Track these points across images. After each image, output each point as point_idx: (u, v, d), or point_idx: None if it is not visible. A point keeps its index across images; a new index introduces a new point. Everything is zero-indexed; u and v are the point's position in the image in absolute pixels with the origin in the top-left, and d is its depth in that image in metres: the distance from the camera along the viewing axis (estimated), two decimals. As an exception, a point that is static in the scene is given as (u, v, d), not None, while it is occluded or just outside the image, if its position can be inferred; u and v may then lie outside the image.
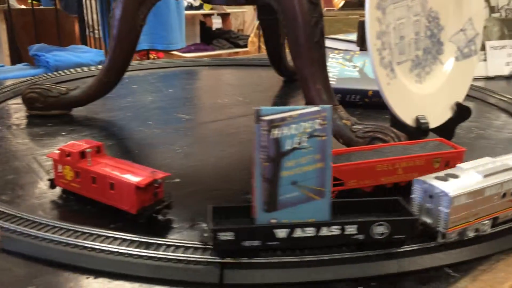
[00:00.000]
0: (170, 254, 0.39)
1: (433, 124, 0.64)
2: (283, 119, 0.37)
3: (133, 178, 0.44)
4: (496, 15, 1.08)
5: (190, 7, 3.85)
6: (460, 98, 0.69)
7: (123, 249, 0.40)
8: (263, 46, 3.89)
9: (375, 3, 0.54)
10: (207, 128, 0.76)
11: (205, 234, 0.44)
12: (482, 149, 0.67)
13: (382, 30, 0.56)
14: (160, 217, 0.46)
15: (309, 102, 0.66)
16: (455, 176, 0.42)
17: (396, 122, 0.62)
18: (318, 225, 0.38)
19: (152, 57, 2.88)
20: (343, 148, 0.54)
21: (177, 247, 0.40)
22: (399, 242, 0.40)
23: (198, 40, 4.14)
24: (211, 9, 4.21)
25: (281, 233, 0.38)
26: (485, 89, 0.91)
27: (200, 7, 4.02)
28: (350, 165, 0.50)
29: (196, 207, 0.50)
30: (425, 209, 0.42)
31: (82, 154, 0.48)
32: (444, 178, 0.42)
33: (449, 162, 0.53)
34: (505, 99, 0.84)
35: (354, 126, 0.61)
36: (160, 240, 0.41)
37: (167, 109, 0.84)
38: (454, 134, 0.68)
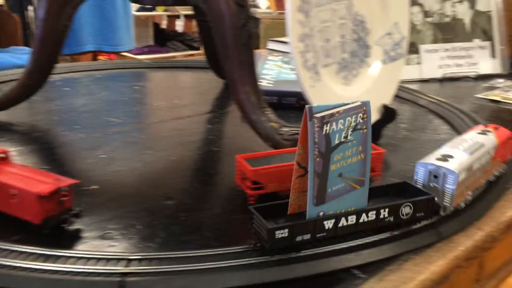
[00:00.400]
0: (68, 267, 0.37)
1: (359, 126, 0.65)
2: (332, 115, 0.39)
3: (35, 187, 0.42)
4: (430, 19, 1.11)
5: (143, 8, 3.79)
6: (387, 100, 0.70)
7: (20, 262, 0.38)
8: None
9: (296, 6, 0.54)
10: (137, 132, 0.73)
11: (113, 244, 0.42)
12: (408, 151, 0.68)
13: (305, 33, 0.56)
14: (67, 227, 0.44)
15: (238, 104, 0.65)
16: (450, 157, 0.49)
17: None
18: (358, 213, 0.42)
19: (103, 59, 2.80)
20: (264, 151, 0.54)
21: (78, 258, 0.38)
22: (421, 219, 0.45)
23: (151, 42, 4.08)
24: (165, 10, 4.15)
25: (329, 224, 0.41)
26: (417, 91, 0.93)
27: (153, 8, 3.96)
28: (269, 168, 0.49)
29: (110, 215, 0.48)
30: (430, 188, 0.47)
31: (-16, 162, 0.45)
32: (444, 159, 0.48)
33: (369, 163, 0.54)
34: (435, 101, 0.87)
35: (281, 129, 0.61)
36: (61, 252, 0.39)
37: (98, 113, 0.81)
38: (382, 135, 0.70)
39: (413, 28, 1.10)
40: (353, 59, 0.67)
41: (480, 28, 1.15)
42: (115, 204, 0.50)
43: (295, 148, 0.55)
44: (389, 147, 0.68)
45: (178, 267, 0.37)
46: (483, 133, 0.56)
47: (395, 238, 0.43)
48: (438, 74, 1.09)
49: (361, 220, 0.42)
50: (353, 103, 0.42)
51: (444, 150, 0.51)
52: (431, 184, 0.48)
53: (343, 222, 0.41)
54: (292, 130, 0.60)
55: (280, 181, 0.50)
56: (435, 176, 0.47)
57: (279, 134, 0.61)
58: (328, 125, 0.39)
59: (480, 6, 1.15)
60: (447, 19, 1.13)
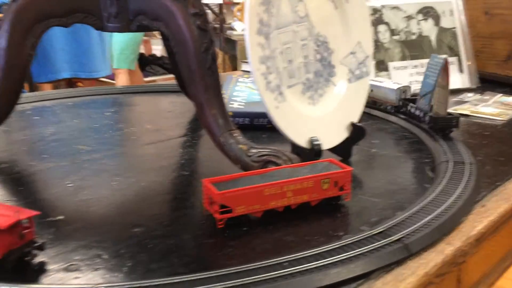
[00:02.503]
0: (29, 302, 0.36)
1: (327, 145, 0.65)
2: None
3: (-6, 220, 0.41)
4: (396, 37, 1.14)
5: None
6: (355, 118, 0.71)
7: (-20, 299, 0.37)
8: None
9: (255, 29, 0.55)
10: (107, 159, 0.73)
11: (79, 275, 0.41)
12: (377, 168, 0.69)
13: (266, 55, 0.57)
14: (30, 260, 0.43)
15: (205, 127, 0.65)
16: None
17: (296, 145, 0.63)
18: None
19: (81, 85, 2.78)
20: (230, 175, 0.54)
21: (40, 292, 0.37)
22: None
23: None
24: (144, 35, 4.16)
25: None
26: (385, 108, 0.95)
27: (129, 33, 3.96)
28: (236, 191, 0.49)
29: (75, 245, 0.47)
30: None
31: None
32: None
33: (337, 182, 0.54)
34: (403, 117, 0.88)
35: (249, 151, 0.61)
36: (25, 286, 0.38)
37: (67, 141, 0.80)
38: (352, 153, 0.70)
39: (381, 46, 1.12)
40: (318, 79, 0.68)
41: (446, 44, 1.18)
42: (81, 234, 0.49)
43: (264, 169, 0.55)
44: (360, 164, 0.68)
45: (142, 296, 0.37)
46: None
47: (363, 255, 0.43)
48: (408, 90, 1.11)
49: None
50: None
51: None
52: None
53: None
54: (260, 152, 0.61)
55: (248, 203, 0.50)
56: None
57: (247, 156, 0.61)
58: None
59: (445, 23, 1.18)
60: (413, 37, 1.16)
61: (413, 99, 0.87)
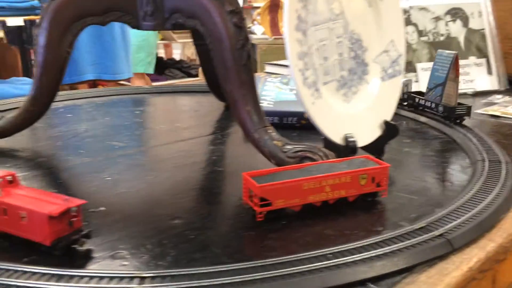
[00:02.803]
0: (82, 286, 0.37)
1: (362, 142, 0.65)
2: None
3: (45, 208, 0.42)
4: (424, 38, 1.14)
5: (140, 37, 3.83)
6: (388, 116, 0.71)
7: (33, 283, 0.38)
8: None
9: (294, 25, 0.56)
10: (140, 154, 0.74)
11: (125, 263, 0.42)
12: (410, 165, 0.69)
13: (303, 51, 0.58)
14: (78, 247, 0.44)
15: (240, 124, 0.66)
16: None
17: (329, 142, 0.63)
18: None
19: (101, 87, 2.83)
20: (269, 169, 0.54)
21: (91, 277, 0.38)
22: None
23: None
24: (162, 39, 4.21)
25: None
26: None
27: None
28: (276, 184, 0.50)
29: (119, 235, 0.48)
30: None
31: (-7, 185, 0.45)
32: None
33: (375, 178, 0.54)
34: (435, 117, 0.88)
35: (284, 147, 0.62)
36: (74, 272, 0.39)
37: (101, 137, 0.82)
38: (385, 151, 0.70)
39: (409, 47, 1.12)
40: (352, 77, 0.68)
41: (475, 45, 1.17)
42: (123, 225, 0.50)
43: (302, 164, 0.55)
44: (393, 162, 0.68)
45: (191, 283, 0.37)
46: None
47: (406, 249, 0.43)
48: (435, 91, 1.10)
49: None
50: None
51: None
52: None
53: None
54: (295, 148, 0.61)
55: (287, 197, 0.50)
56: None
57: (283, 152, 0.61)
58: None
59: (473, 25, 1.17)
60: (442, 38, 1.15)
61: (418, 92, 0.95)
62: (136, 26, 0.74)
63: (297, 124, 0.89)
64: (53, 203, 0.43)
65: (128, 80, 2.73)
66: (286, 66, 1.66)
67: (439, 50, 0.87)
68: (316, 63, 0.61)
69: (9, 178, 0.46)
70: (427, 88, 0.89)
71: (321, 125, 0.60)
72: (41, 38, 0.71)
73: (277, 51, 2.81)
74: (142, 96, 1.17)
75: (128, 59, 2.43)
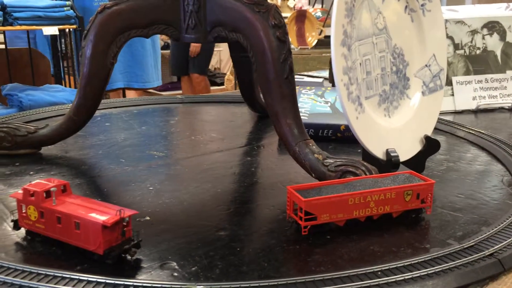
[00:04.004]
0: (136, 296, 0.38)
1: (403, 157, 0.65)
2: None
3: (99, 217, 0.43)
4: (460, 51, 1.12)
5: (167, 46, 3.90)
6: (429, 131, 0.70)
7: (88, 291, 0.38)
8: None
9: (340, 40, 0.56)
10: (180, 164, 0.75)
11: (175, 274, 0.43)
12: (452, 181, 0.68)
13: (348, 66, 0.58)
14: (128, 257, 0.45)
15: (280, 137, 0.66)
16: None
17: (368, 156, 0.63)
18: None
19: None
20: (313, 182, 0.54)
21: (145, 287, 0.39)
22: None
23: (175, 79, 4.17)
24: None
25: None
26: (454, 122, 0.93)
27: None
28: (322, 199, 0.50)
29: (167, 245, 0.48)
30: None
31: (47, 193, 0.46)
32: None
33: (419, 194, 0.54)
34: (473, 132, 0.87)
35: (326, 160, 0.62)
36: (128, 281, 0.40)
37: (140, 147, 0.83)
38: (425, 167, 0.69)
39: (444, 61, 1.11)
40: (394, 91, 0.68)
41: None
42: (170, 235, 0.51)
43: (346, 179, 0.55)
44: (433, 178, 0.67)
45: (244, 296, 0.38)
46: None
47: (457, 268, 0.42)
48: (472, 105, 1.09)
49: None
50: None
51: None
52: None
53: None
54: (336, 162, 0.61)
55: (333, 211, 0.50)
56: None
57: (324, 165, 0.62)
58: None
59: (511, 38, 1.15)
60: (478, 52, 1.13)
61: None
62: (178, 38, 0.76)
63: (332, 137, 0.89)
64: (106, 213, 0.44)
65: (157, 88, 2.79)
66: (314, 77, 1.66)
67: None
68: (359, 77, 0.61)
69: (62, 187, 0.48)
70: None
71: (364, 140, 0.59)
72: (87, 49, 0.73)
73: (303, 61, 2.82)
74: (176, 106, 1.18)
75: (157, 68, 2.47)
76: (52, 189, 0.46)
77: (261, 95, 1.05)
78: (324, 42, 3.23)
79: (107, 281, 0.40)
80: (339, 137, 0.88)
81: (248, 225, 0.54)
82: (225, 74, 4.04)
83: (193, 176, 0.69)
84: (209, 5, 0.72)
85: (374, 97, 0.65)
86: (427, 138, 0.69)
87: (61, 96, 1.97)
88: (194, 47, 2.62)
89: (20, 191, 0.48)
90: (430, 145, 0.68)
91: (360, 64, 0.62)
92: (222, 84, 4.04)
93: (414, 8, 0.69)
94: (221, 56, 4.77)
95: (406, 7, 0.68)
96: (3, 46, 2.25)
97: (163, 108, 1.17)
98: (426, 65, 0.71)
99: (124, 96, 2.50)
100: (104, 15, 0.73)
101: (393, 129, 0.66)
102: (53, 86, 2.24)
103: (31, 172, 0.69)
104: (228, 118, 1.08)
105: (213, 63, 4.64)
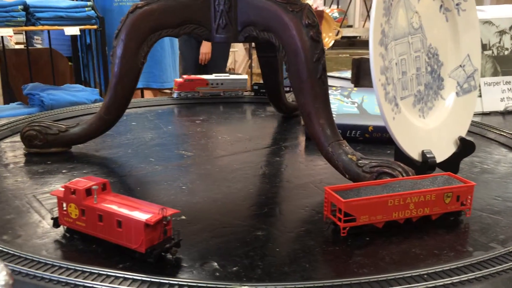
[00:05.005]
0: (182, 295, 0.37)
1: (438, 159, 0.64)
2: None
3: (141, 215, 0.43)
4: (488, 52, 1.11)
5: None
6: (463, 132, 0.69)
7: (131, 290, 0.38)
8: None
9: (378, 40, 0.55)
10: (210, 164, 0.75)
11: (217, 274, 0.43)
12: (487, 183, 0.66)
13: (385, 66, 0.57)
14: (169, 256, 0.45)
15: (313, 137, 0.66)
16: None
17: (401, 157, 0.62)
18: None
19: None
20: (350, 183, 0.54)
21: (190, 287, 0.39)
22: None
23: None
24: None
25: None
26: (483, 124, 0.92)
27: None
28: (361, 200, 0.49)
29: (205, 245, 0.48)
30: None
31: (88, 192, 0.47)
32: None
33: (460, 196, 0.53)
34: (504, 133, 0.85)
35: (360, 161, 0.61)
36: (173, 280, 0.39)
37: (167, 146, 0.84)
38: (459, 168, 0.68)
39: (471, 61, 1.09)
40: (428, 92, 0.67)
41: (540, 60, 1.13)
42: (207, 234, 0.50)
43: (384, 180, 0.55)
44: (469, 179, 0.66)
45: (292, 297, 0.37)
46: None
47: (505, 272, 0.41)
48: (500, 107, 1.07)
49: None
50: None
51: None
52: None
53: None
54: (371, 163, 0.60)
55: (372, 213, 0.50)
56: None
57: (358, 166, 0.61)
58: None
59: (539, 39, 1.13)
60: (506, 52, 1.12)
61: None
62: (209, 38, 0.76)
63: (360, 138, 0.88)
64: (148, 211, 0.44)
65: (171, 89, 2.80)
66: (337, 78, 1.65)
67: None
68: (395, 77, 0.61)
69: (102, 185, 0.48)
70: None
71: (400, 141, 0.59)
72: (118, 49, 0.73)
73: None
74: (200, 106, 1.18)
75: (175, 68, 2.48)
76: (93, 187, 0.46)
77: (285, 96, 1.05)
78: (341, 43, 3.21)
79: (152, 279, 0.40)
80: (366, 138, 0.88)
81: (284, 225, 0.54)
82: (239, 74, 4.05)
83: (224, 176, 0.69)
84: (240, 5, 0.72)
85: (409, 98, 0.64)
86: (461, 139, 0.68)
87: (82, 96, 1.99)
88: (204, 55, 2.58)
89: (61, 189, 0.48)
90: (465, 147, 0.67)
91: (396, 64, 0.61)
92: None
93: (449, 7, 0.68)
94: (236, 57, 4.78)
95: (441, 6, 0.68)
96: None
97: (187, 108, 1.17)
98: (460, 66, 0.70)
99: (142, 96, 2.51)
100: (135, 14, 0.73)
101: (427, 130, 0.65)
102: (73, 85, 2.26)
103: (64, 171, 0.69)
104: (253, 119, 1.08)
105: (228, 64, 4.64)
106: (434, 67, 0.67)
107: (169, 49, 2.37)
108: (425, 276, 0.41)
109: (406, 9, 0.62)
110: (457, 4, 0.68)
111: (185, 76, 1.25)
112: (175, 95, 1.23)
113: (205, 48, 2.54)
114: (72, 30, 2.05)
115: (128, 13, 0.74)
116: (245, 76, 1.33)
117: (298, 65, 0.65)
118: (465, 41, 0.70)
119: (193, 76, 1.25)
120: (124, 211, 0.44)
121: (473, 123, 0.92)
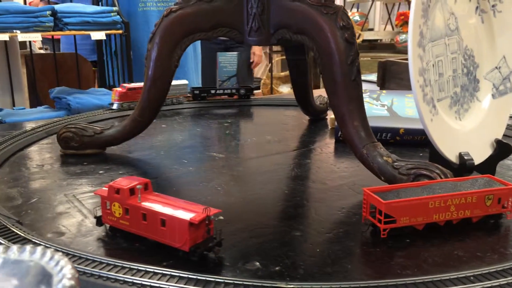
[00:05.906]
0: (229, 293, 0.38)
1: (476, 161, 0.63)
2: None
3: (186, 215, 0.44)
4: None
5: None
6: (499, 135, 0.68)
7: (173, 285, 0.39)
8: (275, 88, 3.94)
9: (417, 41, 0.55)
10: (242, 166, 0.75)
11: (259, 273, 0.43)
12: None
13: (423, 67, 0.57)
14: (211, 255, 0.45)
15: (346, 139, 0.66)
16: None
17: (437, 159, 0.62)
18: None
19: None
20: (390, 185, 0.54)
21: (236, 285, 0.39)
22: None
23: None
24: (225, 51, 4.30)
25: None
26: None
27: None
28: (402, 201, 0.49)
29: (245, 244, 0.49)
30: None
31: (132, 191, 0.47)
32: None
33: (501, 199, 0.52)
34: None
35: (396, 163, 0.61)
36: (219, 278, 0.40)
37: (199, 148, 0.85)
38: (495, 171, 0.67)
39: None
40: (464, 93, 0.66)
41: None
42: (246, 235, 0.51)
43: (422, 182, 0.54)
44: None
45: (339, 297, 0.37)
46: None
47: (554, 275, 0.41)
48: (532, 109, 1.05)
49: None
50: None
51: None
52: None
53: None
54: (408, 165, 0.60)
55: (412, 214, 0.49)
56: None
57: (394, 168, 0.61)
58: None
59: None
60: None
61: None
62: (241, 41, 0.76)
63: (390, 140, 0.88)
64: (191, 211, 0.44)
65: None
66: (363, 81, 1.64)
67: (220, 53, 1.27)
68: (432, 79, 0.60)
69: (144, 185, 0.49)
70: (220, 80, 1.27)
71: (438, 143, 0.58)
72: (152, 52, 0.75)
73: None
74: (227, 108, 1.19)
75: (197, 71, 2.50)
76: (137, 186, 0.47)
77: (313, 99, 1.06)
78: (362, 46, 3.19)
79: (198, 277, 0.40)
80: (397, 141, 0.87)
81: (322, 226, 0.54)
82: (260, 79, 4.06)
83: (256, 178, 0.70)
84: (273, 8, 0.73)
85: (445, 99, 0.63)
86: (498, 142, 0.67)
87: (107, 100, 2.02)
88: (258, 57, 2.55)
89: (104, 188, 0.49)
90: (501, 149, 0.66)
91: (433, 65, 0.61)
92: (258, 88, 4.05)
93: (485, 9, 0.67)
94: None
95: (477, 8, 0.67)
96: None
97: (215, 111, 1.18)
98: (496, 67, 0.69)
99: (164, 100, 2.53)
100: (170, 18, 0.75)
101: (464, 132, 0.64)
102: (98, 89, 2.30)
103: (101, 171, 0.70)
104: (280, 121, 1.08)
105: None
106: (470, 68, 0.67)
107: (191, 53, 2.39)
108: (472, 278, 0.40)
109: (443, 11, 0.62)
110: (493, 6, 0.68)
111: (125, 85, 1.10)
112: (115, 106, 1.09)
113: (258, 50, 2.54)
114: (98, 35, 2.09)
115: (162, 17, 0.75)
116: (185, 81, 1.24)
117: (332, 67, 0.66)
118: (501, 42, 0.69)
119: (133, 85, 1.11)
120: (168, 210, 0.45)
121: (509, 126, 0.90)
